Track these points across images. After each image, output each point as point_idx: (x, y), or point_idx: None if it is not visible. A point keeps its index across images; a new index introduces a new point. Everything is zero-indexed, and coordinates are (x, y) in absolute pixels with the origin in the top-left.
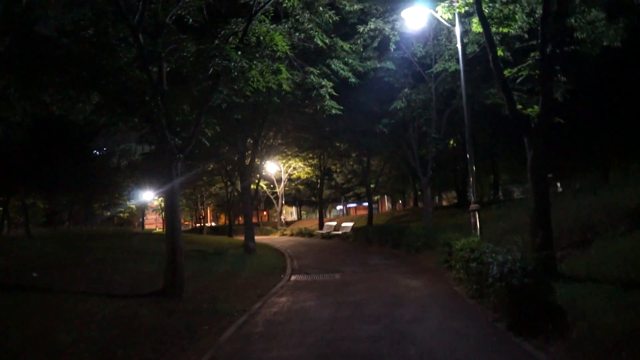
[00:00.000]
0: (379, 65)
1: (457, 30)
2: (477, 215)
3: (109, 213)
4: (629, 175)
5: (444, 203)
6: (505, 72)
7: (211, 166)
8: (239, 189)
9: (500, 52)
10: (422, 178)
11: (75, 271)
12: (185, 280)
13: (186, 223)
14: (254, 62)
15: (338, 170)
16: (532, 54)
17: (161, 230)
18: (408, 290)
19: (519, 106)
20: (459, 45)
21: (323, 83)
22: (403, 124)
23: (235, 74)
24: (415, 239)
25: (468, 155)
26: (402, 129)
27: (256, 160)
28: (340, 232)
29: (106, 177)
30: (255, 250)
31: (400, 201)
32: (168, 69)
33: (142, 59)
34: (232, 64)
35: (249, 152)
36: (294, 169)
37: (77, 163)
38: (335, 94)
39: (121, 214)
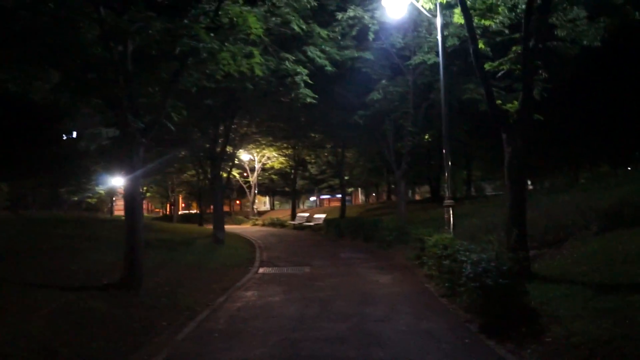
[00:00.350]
0: (356, 55)
1: (438, 21)
2: (450, 211)
3: (76, 198)
4: (599, 177)
5: (417, 197)
6: (486, 66)
7: (182, 153)
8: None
9: (481, 45)
10: (397, 171)
11: (29, 260)
12: (143, 272)
13: (157, 210)
14: (226, 44)
15: (312, 161)
16: (513, 48)
17: None
18: (378, 287)
19: (498, 101)
20: (439, 37)
21: (298, 70)
22: (379, 117)
23: (205, 55)
24: (387, 233)
25: (444, 151)
26: (378, 122)
27: (228, 148)
28: (312, 224)
29: (74, 160)
30: (224, 240)
31: (373, 194)
32: (132, 48)
33: (104, 36)
34: (201, 44)
35: (221, 139)
36: (268, 158)
37: (42, 145)
38: (310, 82)
39: (89, 200)
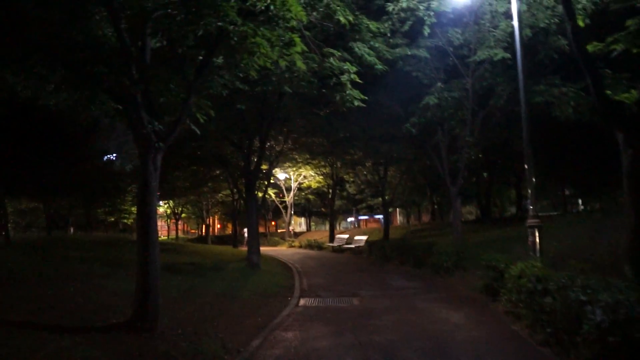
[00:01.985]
0: (409, 53)
1: (514, 3)
2: (536, 233)
3: (113, 219)
4: None
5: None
6: (589, 47)
7: (217, 172)
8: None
9: (580, 22)
10: (452, 188)
11: (31, 288)
12: (161, 307)
13: (193, 231)
14: (261, 28)
15: (351, 180)
16: (628, 22)
17: (165, 238)
18: (451, 329)
19: (607, 92)
20: (515, 22)
21: (345, 67)
22: (431, 127)
23: (235, 40)
24: (444, 258)
25: (526, 163)
26: (429, 133)
27: (263, 165)
28: (352, 246)
29: (109, 180)
30: (259, 265)
31: (412, 215)
32: (149, 31)
33: (115, 17)
34: (232, 26)
35: (256, 155)
36: (305, 177)
37: (73, 163)
38: (359, 80)
39: (125, 220)
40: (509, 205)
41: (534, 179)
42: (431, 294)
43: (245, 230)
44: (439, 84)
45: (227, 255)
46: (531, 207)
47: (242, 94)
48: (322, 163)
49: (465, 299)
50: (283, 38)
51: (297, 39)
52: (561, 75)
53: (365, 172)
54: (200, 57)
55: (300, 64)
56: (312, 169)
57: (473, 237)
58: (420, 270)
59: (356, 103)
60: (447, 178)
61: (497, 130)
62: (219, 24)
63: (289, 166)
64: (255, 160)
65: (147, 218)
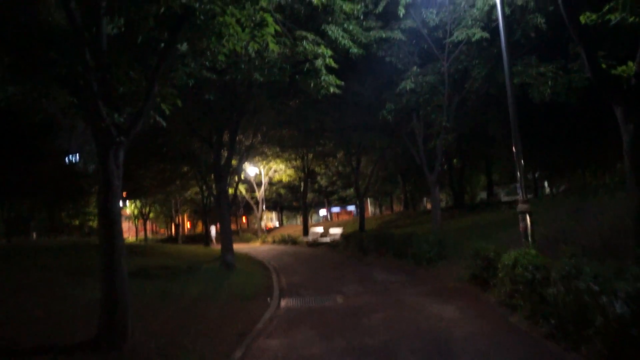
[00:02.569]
0: (384, 36)
1: None
2: (528, 219)
3: (77, 222)
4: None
5: (428, 206)
6: (582, 18)
7: (185, 168)
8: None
9: None
10: (429, 175)
11: None
12: (129, 320)
13: (162, 231)
14: (229, 6)
15: (322, 172)
16: None
17: (133, 240)
18: (446, 325)
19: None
20: None
21: (319, 51)
22: (406, 113)
23: (202, 18)
24: (426, 249)
25: (515, 146)
26: (404, 119)
27: (234, 160)
28: (328, 240)
29: (71, 181)
30: (234, 264)
31: (383, 205)
32: (104, 10)
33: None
34: (197, 4)
35: (226, 150)
36: (275, 171)
37: (30, 162)
38: (334, 65)
39: (91, 223)
40: (479, 191)
41: (522, 162)
42: (417, 287)
43: (212, 227)
44: (415, 68)
45: (199, 255)
46: (520, 192)
47: (209, 84)
48: (293, 156)
49: (454, 290)
50: (253, 18)
51: (270, 18)
52: (538, 55)
53: (336, 164)
54: (163, 41)
55: (273, 46)
56: (282, 162)
57: (450, 225)
58: (401, 261)
59: (332, 89)
60: (424, 166)
61: (473, 115)
62: (183, 0)
63: (259, 160)
64: (226, 154)
65: (111, 221)
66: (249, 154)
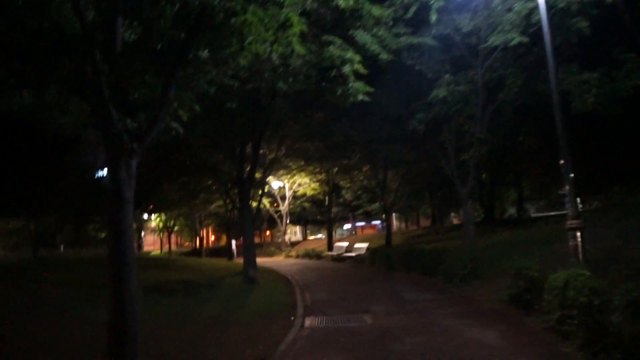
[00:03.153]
0: (415, 43)
1: None
2: (578, 236)
3: (103, 235)
4: None
5: (455, 221)
6: None
7: (209, 182)
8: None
9: None
10: (461, 189)
11: None
12: (139, 346)
13: (186, 245)
14: (251, 4)
15: (347, 186)
16: None
17: (158, 252)
18: (489, 354)
19: None
20: None
21: (347, 56)
22: (436, 124)
23: (221, 16)
24: (459, 266)
25: (563, 158)
26: (434, 131)
27: (257, 172)
28: (353, 254)
29: (98, 195)
30: (256, 279)
31: (409, 220)
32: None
33: None
34: (216, 0)
35: (249, 163)
36: (299, 185)
37: (57, 178)
38: (363, 71)
39: None
40: (508, 206)
41: (571, 175)
42: (451, 308)
43: (233, 241)
44: (448, 75)
45: (221, 269)
46: (570, 207)
47: (231, 93)
48: (317, 169)
49: (492, 313)
50: (277, 18)
51: (295, 18)
52: (579, 62)
53: (362, 178)
54: (180, 42)
55: (299, 49)
56: (306, 175)
57: (481, 241)
58: (431, 279)
59: (360, 97)
60: (456, 179)
61: (506, 127)
62: None
63: (283, 174)
64: (249, 167)
65: (121, 235)
66: (273, 167)
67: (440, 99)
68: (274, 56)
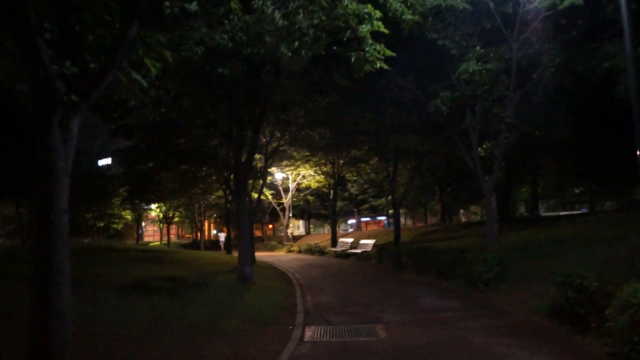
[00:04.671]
0: (444, 5)
1: None
2: None
3: (102, 224)
4: None
5: (463, 219)
6: None
7: (205, 170)
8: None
9: None
10: (485, 182)
11: None
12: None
13: (187, 236)
14: None
15: (353, 179)
16: None
17: (158, 243)
18: None
19: None
20: None
21: (365, 11)
22: (458, 109)
23: None
24: (484, 269)
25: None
26: (456, 117)
27: (258, 161)
28: (359, 251)
29: (94, 182)
30: (252, 278)
31: (415, 217)
32: None
33: None
34: None
35: (247, 147)
36: (303, 177)
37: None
38: (385, 30)
39: (115, 225)
40: (521, 206)
41: None
42: (480, 320)
43: (222, 235)
44: (478, 47)
45: (217, 263)
46: None
47: (226, 55)
48: (323, 161)
49: (534, 329)
50: None
51: None
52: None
53: (368, 171)
54: None
55: None
56: (311, 167)
57: (500, 241)
58: (448, 281)
59: (379, 64)
60: (479, 170)
61: (537, 114)
62: None
63: (287, 165)
64: (247, 150)
65: (49, 224)
66: (276, 156)
67: (465, 78)
68: (277, 15)
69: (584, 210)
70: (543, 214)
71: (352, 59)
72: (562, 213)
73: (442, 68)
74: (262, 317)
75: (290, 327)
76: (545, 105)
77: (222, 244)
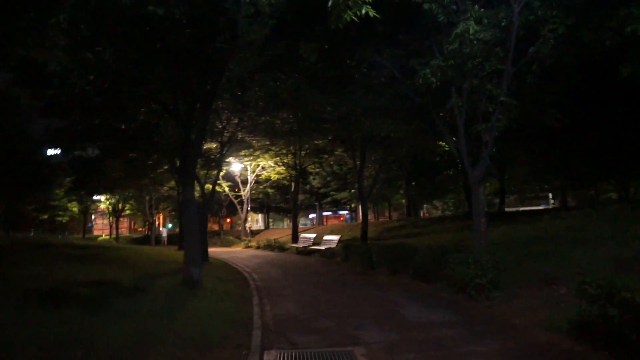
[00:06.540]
0: None
1: None
2: None
3: (46, 216)
4: None
5: (424, 214)
6: None
7: (154, 157)
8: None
9: None
10: (472, 171)
11: None
12: None
13: (139, 230)
14: None
15: (315, 171)
16: None
17: (107, 237)
18: None
19: None
20: None
21: None
22: (441, 89)
23: None
24: (477, 272)
25: None
26: (437, 97)
27: (211, 146)
28: (322, 247)
29: (31, 170)
30: (200, 281)
31: (378, 211)
32: None
33: None
34: None
35: (197, 122)
36: (263, 168)
37: None
38: None
39: (60, 218)
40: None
41: None
42: (488, 341)
43: (162, 229)
44: (476, 7)
45: (165, 261)
46: None
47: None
48: (284, 151)
49: (561, 354)
50: None
51: None
52: None
53: (332, 162)
54: None
55: None
56: (271, 157)
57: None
58: (430, 285)
59: (365, 9)
60: (465, 158)
61: (528, 95)
62: None
63: (245, 155)
64: (196, 131)
65: None
66: (233, 145)
67: (454, 49)
68: None
69: (544, 206)
70: (507, 209)
71: (329, 3)
72: (522, 209)
73: (424, 41)
74: (208, 336)
75: (243, 352)
76: (536, 86)
77: (164, 240)
